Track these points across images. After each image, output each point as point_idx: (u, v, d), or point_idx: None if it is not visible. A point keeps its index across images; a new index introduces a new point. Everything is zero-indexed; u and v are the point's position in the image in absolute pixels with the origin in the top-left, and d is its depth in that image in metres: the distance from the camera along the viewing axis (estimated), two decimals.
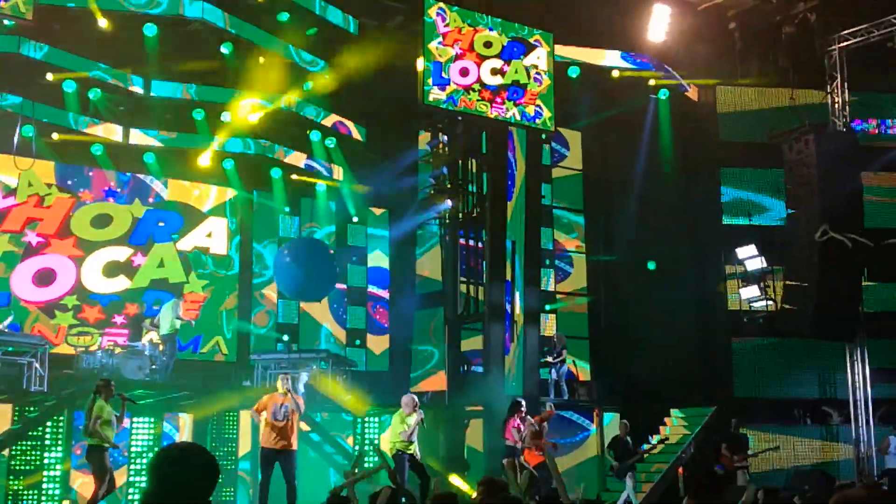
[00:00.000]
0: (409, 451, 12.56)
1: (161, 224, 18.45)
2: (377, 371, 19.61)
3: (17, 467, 13.46)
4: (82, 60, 17.17)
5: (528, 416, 14.06)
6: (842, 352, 18.74)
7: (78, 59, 17.06)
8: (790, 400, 19.65)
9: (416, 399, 13.04)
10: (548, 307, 20.19)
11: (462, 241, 18.59)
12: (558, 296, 20.94)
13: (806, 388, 19.69)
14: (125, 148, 18.02)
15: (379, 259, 20.44)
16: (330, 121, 19.52)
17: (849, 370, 18.55)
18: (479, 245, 18.39)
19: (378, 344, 20.08)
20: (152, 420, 14.70)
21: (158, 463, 2.85)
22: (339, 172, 19.80)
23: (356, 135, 19.90)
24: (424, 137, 19.68)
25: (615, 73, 20.01)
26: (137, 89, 17.82)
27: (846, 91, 19.01)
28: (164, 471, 2.81)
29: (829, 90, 19.17)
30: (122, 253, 17.99)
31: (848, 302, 17.84)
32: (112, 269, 17.83)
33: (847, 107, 19.03)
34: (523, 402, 14.31)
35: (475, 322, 18.26)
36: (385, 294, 20.33)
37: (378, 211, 20.53)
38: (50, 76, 16.64)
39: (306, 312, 19.42)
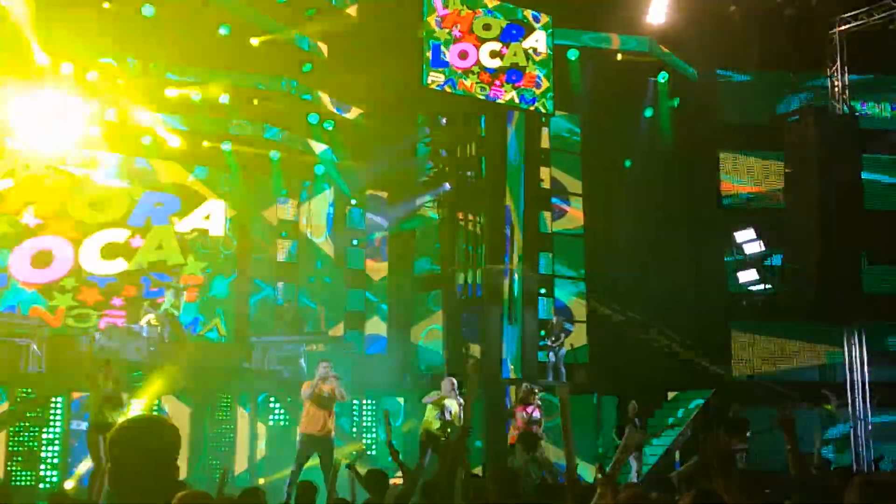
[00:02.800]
0: (440, 438, 12.49)
1: (159, 206, 18.41)
2: (376, 354, 19.62)
3: (15, 449, 13.47)
4: (80, 40, 17.08)
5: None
6: (840, 335, 18.75)
7: (76, 40, 16.98)
8: (789, 383, 19.67)
9: (455, 383, 12.97)
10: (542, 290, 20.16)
11: (461, 224, 18.55)
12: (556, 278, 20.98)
13: (804, 372, 19.71)
14: (123, 129, 17.95)
15: (378, 242, 20.40)
16: (329, 103, 19.45)
17: (846, 353, 18.56)
18: (478, 228, 18.36)
19: (377, 326, 20.06)
20: (152, 402, 14.67)
21: (114, 441, 2.78)
22: (338, 155, 19.74)
23: (355, 117, 19.83)
24: (424, 120, 19.62)
25: (615, 56, 19.93)
26: (135, 70, 17.75)
27: (846, 74, 18.96)
28: (120, 448, 2.76)
29: (829, 73, 19.11)
30: (120, 235, 17.96)
31: (847, 285, 17.84)
32: (110, 251, 17.81)
33: (847, 89, 18.97)
34: (536, 389, 14.29)
35: (473, 304, 18.25)
36: (384, 279, 20.30)
37: (377, 194, 20.47)
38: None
39: (303, 296, 19.41)
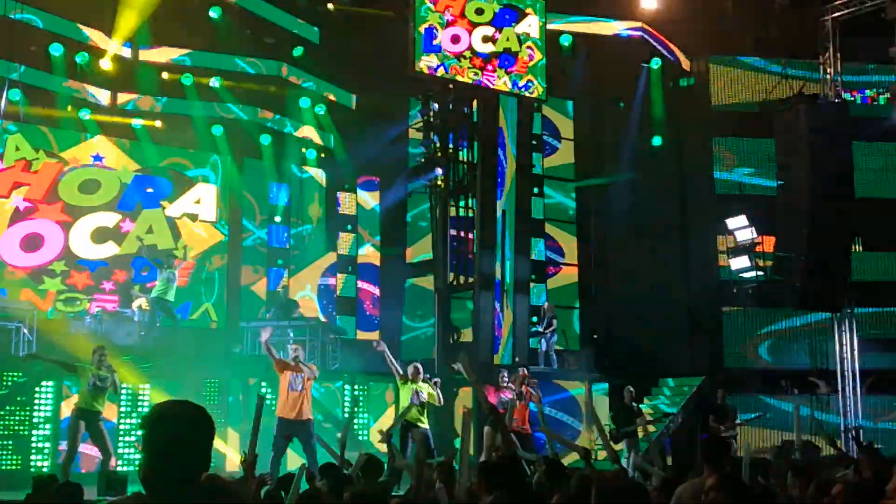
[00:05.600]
0: (419, 424, 12.67)
1: (149, 190, 18.34)
2: (367, 340, 19.60)
3: (5, 432, 13.44)
4: (71, 24, 16.99)
5: (511, 384, 14.10)
6: (831, 322, 18.80)
7: (66, 23, 16.88)
8: (779, 370, 19.74)
9: (419, 367, 13.12)
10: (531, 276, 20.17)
11: (452, 209, 18.52)
12: (549, 269, 21.01)
13: (795, 358, 19.77)
14: (113, 113, 17.87)
15: (368, 227, 20.38)
16: (320, 88, 19.38)
17: (837, 340, 18.61)
18: (470, 214, 18.34)
19: (368, 311, 20.06)
20: (142, 386, 14.65)
21: (149, 425, 2.76)
22: (329, 140, 19.69)
23: (347, 102, 19.77)
24: (415, 106, 19.56)
25: (607, 42, 19.88)
26: (126, 54, 17.67)
27: (838, 62, 18.95)
28: (156, 432, 2.73)
29: (820, 61, 19.09)
30: (110, 219, 17.89)
31: (837, 272, 17.90)
32: (100, 235, 17.74)
33: (839, 77, 18.97)
34: (505, 373, 14.44)
35: (465, 291, 18.24)
36: (375, 265, 20.28)
37: (368, 178, 20.43)
38: None
39: (295, 281, 19.40)
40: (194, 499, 2.68)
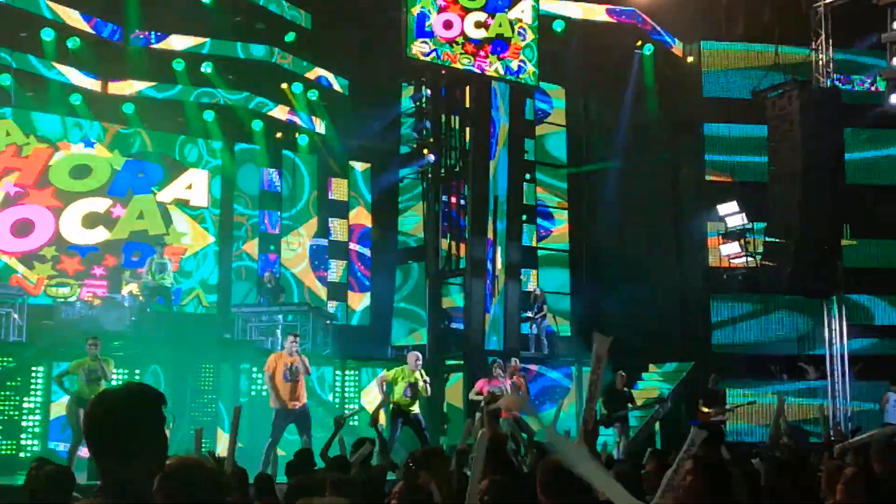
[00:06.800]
0: (410, 411, 12.72)
1: (141, 175, 18.30)
2: (359, 325, 19.65)
3: None
4: (60, 8, 16.90)
5: (503, 375, 14.15)
6: (820, 307, 18.88)
7: (55, 7, 16.80)
8: (768, 356, 19.83)
9: (420, 357, 13.15)
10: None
11: (444, 196, 18.53)
12: (539, 251, 21.05)
13: (784, 344, 19.85)
14: (104, 98, 17.81)
15: (360, 214, 20.37)
16: (313, 73, 19.33)
17: (826, 326, 18.69)
18: (461, 200, 18.34)
19: (359, 299, 20.07)
20: (131, 371, 14.65)
21: (89, 410, 2.70)
22: (321, 126, 19.65)
23: (339, 88, 19.72)
24: (408, 91, 19.52)
25: (600, 28, 19.84)
26: (116, 39, 17.60)
27: (830, 48, 18.95)
28: (95, 417, 2.66)
29: (813, 47, 19.09)
30: (101, 204, 17.85)
31: (827, 259, 17.96)
32: (91, 220, 17.71)
33: (831, 64, 18.97)
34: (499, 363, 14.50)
35: (456, 277, 18.27)
36: (367, 251, 20.29)
37: (360, 165, 20.41)
38: None
39: (286, 267, 19.39)
40: (143, 480, 2.64)
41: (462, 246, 18.07)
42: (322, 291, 19.64)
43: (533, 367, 17.70)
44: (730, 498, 4.07)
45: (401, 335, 19.66)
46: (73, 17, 17.07)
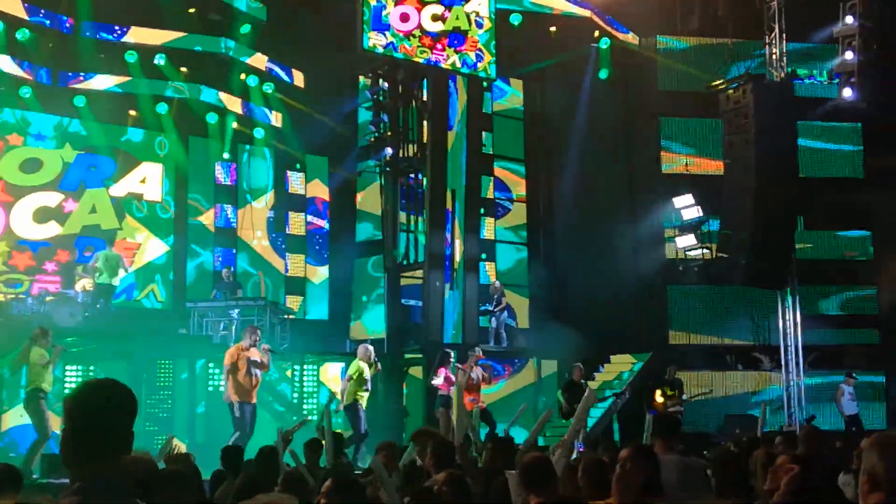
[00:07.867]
0: (360, 401, 13.06)
1: (93, 169, 18.02)
2: (316, 319, 19.53)
3: None
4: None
5: (459, 365, 14.19)
6: (774, 299, 19.11)
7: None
8: (723, 346, 20.06)
9: (370, 349, 13.48)
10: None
11: (402, 189, 18.48)
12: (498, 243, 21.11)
13: (739, 335, 20.08)
14: (55, 91, 17.50)
15: (317, 205, 20.26)
16: (268, 66, 19.14)
17: (780, 317, 18.93)
18: (419, 193, 18.31)
19: (318, 294, 19.96)
20: (85, 368, 14.45)
21: (73, 403, 2.72)
22: (277, 119, 19.48)
23: (295, 80, 19.55)
24: (365, 84, 19.41)
25: (557, 22, 19.87)
26: (67, 31, 17.31)
27: (784, 42, 19.15)
28: (79, 409, 2.70)
29: (767, 41, 19.28)
30: (52, 198, 17.56)
31: (781, 250, 18.19)
32: (42, 215, 17.42)
33: (784, 57, 19.18)
34: (451, 353, 14.58)
35: (415, 269, 18.23)
36: (324, 223, 20.13)
37: (318, 158, 20.27)
38: None
39: (243, 253, 19.23)
40: (113, 477, 2.62)
41: (420, 239, 18.05)
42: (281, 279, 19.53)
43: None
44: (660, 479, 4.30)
45: (360, 328, 19.59)
46: (21, 9, 16.74)
